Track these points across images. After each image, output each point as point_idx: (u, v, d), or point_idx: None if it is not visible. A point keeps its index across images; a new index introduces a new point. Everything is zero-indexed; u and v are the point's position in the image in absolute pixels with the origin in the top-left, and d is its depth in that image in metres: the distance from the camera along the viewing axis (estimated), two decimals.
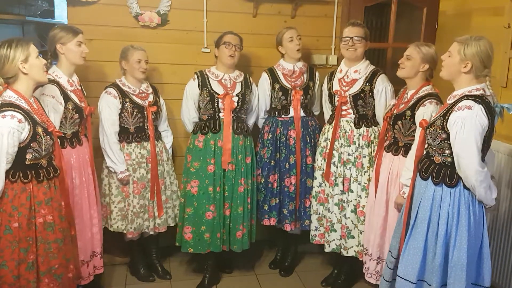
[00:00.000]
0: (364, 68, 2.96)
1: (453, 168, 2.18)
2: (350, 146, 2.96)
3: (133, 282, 3.23)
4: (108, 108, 2.91)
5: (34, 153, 2.18)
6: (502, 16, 2.94)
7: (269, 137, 3.22)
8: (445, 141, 2.17)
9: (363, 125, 2.97)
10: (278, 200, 3.24)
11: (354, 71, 2.96)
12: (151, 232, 3.16)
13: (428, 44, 2.64)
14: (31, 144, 2.16)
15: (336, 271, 3.24)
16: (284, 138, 3.19)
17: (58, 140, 2.38)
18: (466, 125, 2.06)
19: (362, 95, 2.92)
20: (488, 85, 2.16)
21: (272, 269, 3.44)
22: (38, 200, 2.21)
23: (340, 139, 2.99)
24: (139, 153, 3.02)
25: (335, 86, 3.03)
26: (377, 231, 2.76)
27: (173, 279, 3.26)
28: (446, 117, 2.15)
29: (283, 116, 3.22)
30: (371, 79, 2.93)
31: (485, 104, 2.09)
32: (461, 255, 2.15)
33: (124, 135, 3.00)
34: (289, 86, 3.17)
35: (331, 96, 3.06)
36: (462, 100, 2.11)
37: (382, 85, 2.92)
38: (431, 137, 2.23)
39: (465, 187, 2.16)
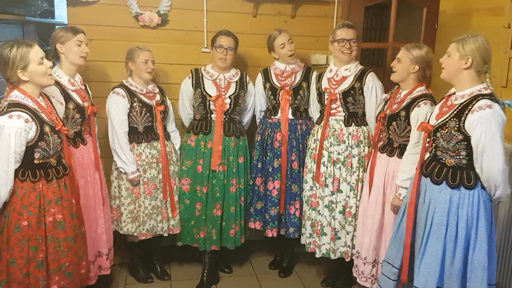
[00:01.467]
0: (354, 66, 2.96)
1: (468, 169, 2.16)
2: (339, 145, 2.94)
3: (134, 282, 3.23)
4: (117, 108, 2.90)
5: (42, 152, 2.20)
6: (502, 16, 2.94)
7: (258, 139, 3.22)
8: (462, 143, 2.14)
9: (353, 124, 2.94)
10: (263, 204, 3.22)
11: (345, 70, 2.95)
12: (165, 234, 3.14)
13: (419, 46, 2.62)
14: (39, 143, 2.17)
15: (335, 271, 3.23)
16: (270, 141, 3.17)
17: (66, 138, 2.40)
18: (492, 124, 2.05)
19: (352, 91, 2.91)
20: (489, 82, 2.16)
21: (272, 269, 3.44)
22: (48, 199, 2.22)
23: (330, 138, 2.97)
24: (149, 153, 3.01)
25: (324, 84, 3.02)
26: (373, 234, 2.72)
27: (173, 280, 3.27)
28: (463, 118, 2.12)
29: (272, 117, 3.19)
30: (361, 77, 2.92)
31: (498, 102, 2.11)
32: (482, 256, 2.13)
33: (134, 135, 2.98)
34: (278, 85, 3.15)
35: (320, 95, 3.04)
36: (479, 100, 2.09)
37: (372, 82, 2.90)
38: (444, 140, 2.18)
39: (482, 187, 2.16)
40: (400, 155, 2.61)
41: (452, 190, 2.18)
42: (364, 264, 2.79)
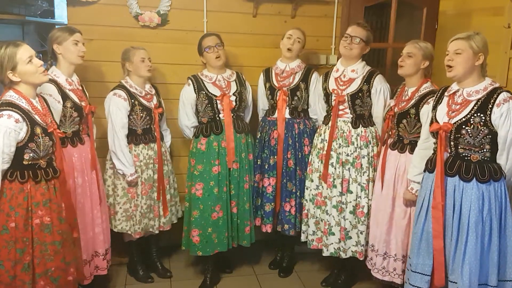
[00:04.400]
0: (361, 68, 2.95)
1: (492, 162, 2.21)
2: (348, 146, 2.95)
3: (133, 282, 3.23)
4: (119, 111, 2.89)
5: (32, 153, 2.18)
6: (502, 16, 2.94)
7: (258, 136, 3.27)
8: (487, 137, 2.18)
9: (361, 125, 2.95)
10: (260, 200, 3.27)
11: (351, 71, 2.95)
12: (156, 232, 3.16)
13: (425, 42, 2.67)
14: (29, 144, 2.15)
15: (336, 271, 3.23)
16: (267, 138, 3.20)
17: (60, 141, 2.37)
18: None
19: (360, 94, 2.91)
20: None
21: (272, 269, 3.44)
22: (36, 201, 2.20)
23: (338, 139, 2.97)
24: (147, 154, 3.02)
25: (332, 85, 3.01)
26: (383, 227, 2.78)
27: (173, 279, 3.26)
28: (488, 112, 2.15)
29: (270, 116, 3.23)
30: (368, 79, 2.92)
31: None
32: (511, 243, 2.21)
33: (132, 136, 2.99)
34: (277, 85, 3.17)
35: (327, 96, 3.04)
36: (500, 93, 2.15)
37: (380, 85, 2.91)
38: (470, 136, 2.19)
39: (505, 176, 2.22)
40: (411, 151, 2.64)
41: (484, 185, 2.21)
42: (376, 256, 2.84)
